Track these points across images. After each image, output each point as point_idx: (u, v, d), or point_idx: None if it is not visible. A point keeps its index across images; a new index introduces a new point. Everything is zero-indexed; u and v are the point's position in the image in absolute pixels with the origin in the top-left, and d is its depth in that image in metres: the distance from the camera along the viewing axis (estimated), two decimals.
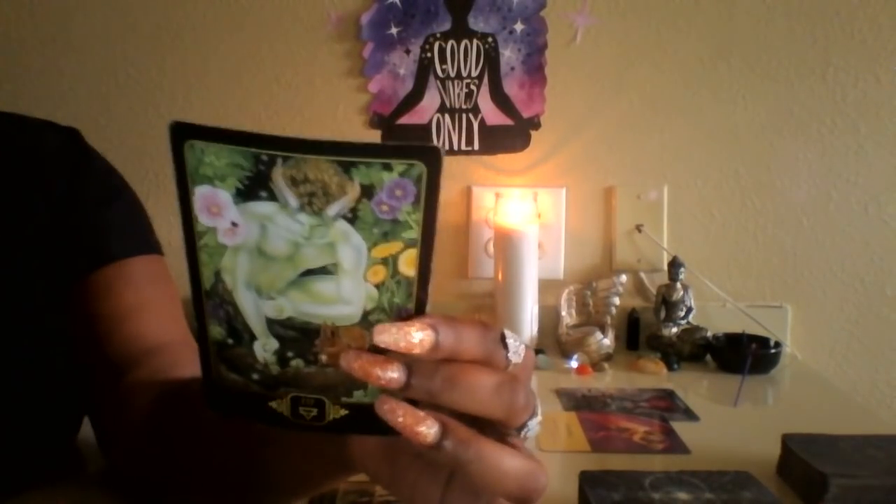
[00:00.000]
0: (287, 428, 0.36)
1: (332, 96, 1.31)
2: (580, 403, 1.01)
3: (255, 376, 0.35)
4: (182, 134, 0.30)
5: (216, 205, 0.31)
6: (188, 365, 0.62)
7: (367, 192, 0.30)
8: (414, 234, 0.31)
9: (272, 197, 0.31)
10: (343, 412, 0.35)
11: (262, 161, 0.30)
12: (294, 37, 1.30)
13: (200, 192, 0.31)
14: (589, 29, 1.28)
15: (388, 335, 0.31)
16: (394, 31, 1.28)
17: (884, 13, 1.24)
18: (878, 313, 1.30)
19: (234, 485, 0.53)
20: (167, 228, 0.74)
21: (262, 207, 0.31)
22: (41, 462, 0.66)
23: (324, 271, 0.32)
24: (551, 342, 1.26)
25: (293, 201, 0.31)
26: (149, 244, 0.70)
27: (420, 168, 0.30)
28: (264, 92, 1.31)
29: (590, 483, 0.69)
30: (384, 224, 0.31)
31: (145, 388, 0.60)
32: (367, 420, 0.34)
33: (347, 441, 0.41)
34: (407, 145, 0.30)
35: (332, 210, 0.31)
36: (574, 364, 1.16)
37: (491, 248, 1.29)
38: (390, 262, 0.32)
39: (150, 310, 0.65)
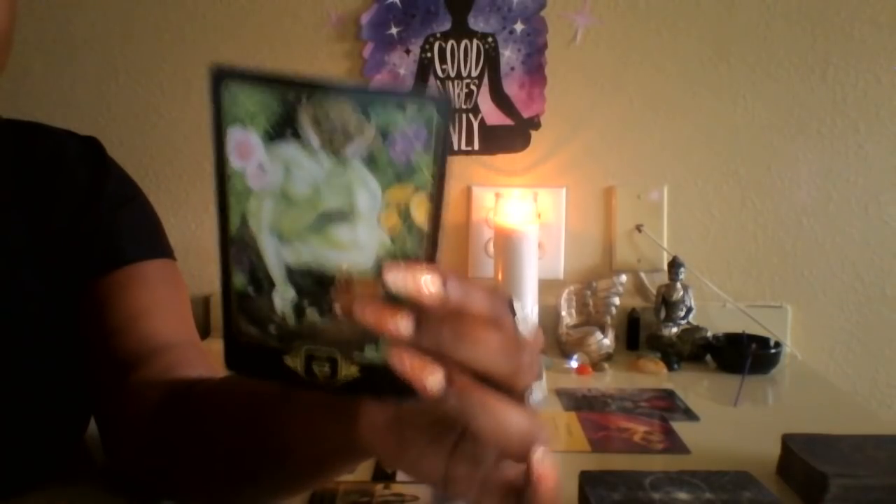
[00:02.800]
0: (301, 387, 0.37)
1: None
2: (580, 403, 1.01)
3: (273, 329, 0.37)
4: (220, 76, 0.33)
5: (246, 146, 0.34)
6: (195, 365, 0.63)
7: (383, 133, 0.32)
8: (425, 178, 0.33)
9: (296, 137, 0.33)
10: (355, 371, 0.37)
11: (289, 101, 0.33)
12: (294, 37, 1.30)
13: (233, 134, 0.34)
14: (589, 29, 1.28)
15: (396, 275, 0.33)
16: (394, 31, 1.28)
17: (884, 13, 1.24)
18: (878, 313, 1.30)
19: (237, 481, 0.54)
20: (167, 228, 0.74)
21: (287, 148, 0.33)
22: (49, 460, 0.66)
23: (341, 215, 0.34)
24: (551, 342, 1.26)
25: (315, 141, 0.33)
26: (162, 248, 0.71)
27: (431, 112, 0.32)
28: None
29: (590, 483, 0.69)
30: (397, 166, 0.33)
31: (152, 387, 0.60)
32: (377, 381, 0.36)
33: (355, 417, 0.41)
34: (419, 90, 0.33)
35: (351, 150, 0.33)
36: (574, 364, 1.16)
37: (491, 248, 1.29)
38: (403, 207, 0.34)
39: (161, 311, 0.66)
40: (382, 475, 0.76)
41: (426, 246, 0.34)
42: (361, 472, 0.75)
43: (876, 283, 1.30)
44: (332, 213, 0.34)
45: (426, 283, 0.33)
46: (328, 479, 0.55)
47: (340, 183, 0.34)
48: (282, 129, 0.33)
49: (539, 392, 0.36)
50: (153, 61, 1.32)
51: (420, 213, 0.34)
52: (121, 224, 0.68)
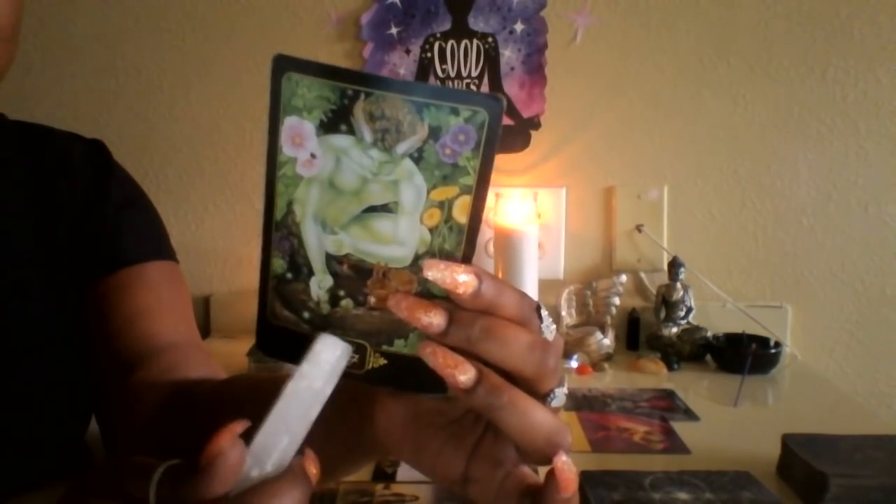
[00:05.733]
0: None
1: None
2: (580, 403, 1.01)
3: (306, 314, 0.37)
4: (282, 66, 0.34)
5: (300, 135, 0.34)
6: (197, 366, 0.63)
7: (434, 133, 0.33)
8: (470, 180, 0.34)
9: (350, 131, 0.34)
10: (382, 361, 0.37)
11: (347, 95, 0.33)
12: (294, 37, 1.30)
13: (289, 123, 0.34)
14: (589, 29, 1.28)
15: (436, 270, 0.33)
16: (394, 31, 1.28)
17: (884, 13, 1.24)
18: (878, 313, 1.30)
19: None
20: (167, 228, 0.74)
21: (340, 140, 0.34)
22: (50, 459, 0.66)
23: (385, 209, 0.35)
24: None
25: (368, 136, 0.34)
26: (164, 250, 0.72)
27: (483, 116, 0.32)
28: (264, 92, 1.30)
29: (590, 483, 0.69)
30: (445, 167, 0.34)
31: (153, 387, 0.61)
32: (403, 373, 0.37)
33: (372, 414, 0.41)
34: (474, 93, 0.33)
35: (402, 148, 0.34)
36: (574, 364, 1.16)
37: (491, 248, 1.29)
38: (445, 207, 0.34)
39: (163, 311, 0.67)
40: (382, 475, 0.76)
41: (464, 245, 0.35)
42: (361, 471, 0.75)
43: (876, 283, 1.30)
44: (377, 207, 0.35)
45: (463, 280, 0.33)
46: (337, 478, 0.55)
47: (388, 178, 0.34)
48: (337, 121, 0.34)
49: (562, 396, 0.36)
50: (153, 61, 1.32)
51: (462, 214, 0.34)
52: (124, 226, 0.69)
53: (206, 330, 1.32)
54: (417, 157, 0.34)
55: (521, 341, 0.34)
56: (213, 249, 1.35)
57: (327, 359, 0.35)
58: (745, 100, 1.28)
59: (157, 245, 0.71)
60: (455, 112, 0.32)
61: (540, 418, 0.34)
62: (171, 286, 0.69)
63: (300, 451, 0.34)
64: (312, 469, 0.33)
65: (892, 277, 1.29)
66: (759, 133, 1.29)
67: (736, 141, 1.29)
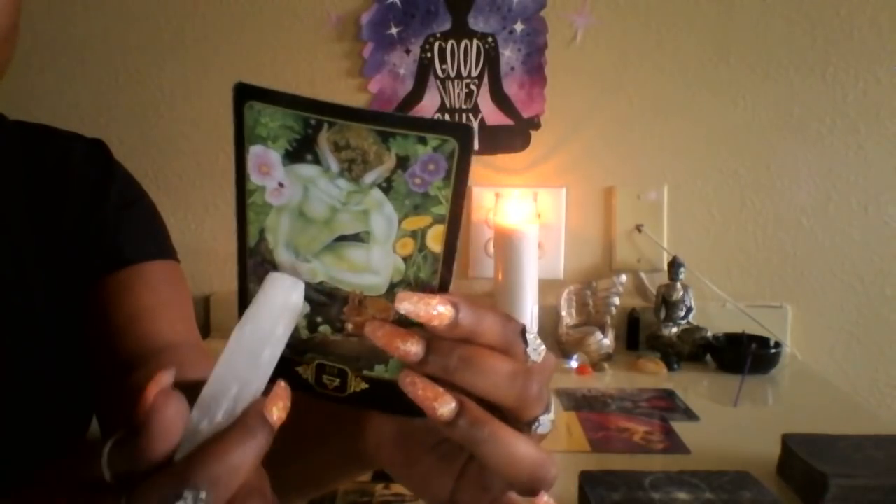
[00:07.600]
0: (310, 395, 0.38)
1: (332, 96, 1.30)
2: (580, 403, 1.01)
3: None
4: (243, 95, 0.33)
5: (267, 164, 0.34)
6: (197, 366, 0.63)
7: (402, 163, 0.32)
8: (443, 209, 0.33)
9: (316, 160, 0.33)
10: (363, 385, 0.37)
11: (311, 125, 0.32)
12: (294, 37, 1.30)
13: (254, 151, 0.33)
14: (589, 29, 1.28)
15: (409, 303, 0.32)
16: (394, 31, 1.28)
17: (884, 13, 1.24)
18: (878, 313, 1.30)
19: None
20: (167, 227, 0.74)
21: (307, 170, 0.33)
22: (52, 458, 0.67)
23: (357, 238, 0.34)
24: (551, 342, 1.26)
25: (334, 166, 0.33)
26: (165, 250, 0.72)
27: (452, 144, 0.32)
28: None
29: (590, 483, 0.69)
30: (416, 197, 0.33)
31: None
32: (385, 397, 0.36)
33: (363, 428, 0.41)
34: (442, 121, 0.33)
35: (369, 178, 0.33)
36: (574, 364, 1.16)
37: (491, 248, 1.29)
38: (419, 236, 0.33)
39: (164, 311, 0.67)
40: (382, 475, 0.76)
41: (440, 272, 0.34)
42: None
43: (876, 283, 1.30)
44: (349, 236, 0.34)
45: (438, 311, 0.32)
46: (335, 484, 0.55)
47: (358, 208, 0.33)
48: (302, 151, 0.33)
49: (548, 423, 0.36)
50: (153, 61, 1.32)
51: (435, 243, 0.33)
52: (125, 225, 0.69)
53: (206, 330, 1.32)
54: (386, 187, 0.33)
55: (502, 370, 0.33)
56: (213, 249, 1.35)
57: (274, 299, 0.34)
58: (745, 100, 1.28)
59: (158, 245, 0.71)
60: (423, 141, 0.31)
61: (522, 452, 0.34)
62: (172, 286, 0.69)
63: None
64: (273, 410, 0.32)
65: (892, 277, 1.29)
66: (759, 133, 1.29)
67: (736, 141, 1.29)
